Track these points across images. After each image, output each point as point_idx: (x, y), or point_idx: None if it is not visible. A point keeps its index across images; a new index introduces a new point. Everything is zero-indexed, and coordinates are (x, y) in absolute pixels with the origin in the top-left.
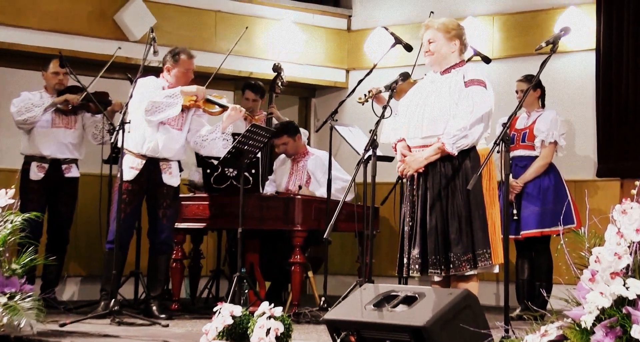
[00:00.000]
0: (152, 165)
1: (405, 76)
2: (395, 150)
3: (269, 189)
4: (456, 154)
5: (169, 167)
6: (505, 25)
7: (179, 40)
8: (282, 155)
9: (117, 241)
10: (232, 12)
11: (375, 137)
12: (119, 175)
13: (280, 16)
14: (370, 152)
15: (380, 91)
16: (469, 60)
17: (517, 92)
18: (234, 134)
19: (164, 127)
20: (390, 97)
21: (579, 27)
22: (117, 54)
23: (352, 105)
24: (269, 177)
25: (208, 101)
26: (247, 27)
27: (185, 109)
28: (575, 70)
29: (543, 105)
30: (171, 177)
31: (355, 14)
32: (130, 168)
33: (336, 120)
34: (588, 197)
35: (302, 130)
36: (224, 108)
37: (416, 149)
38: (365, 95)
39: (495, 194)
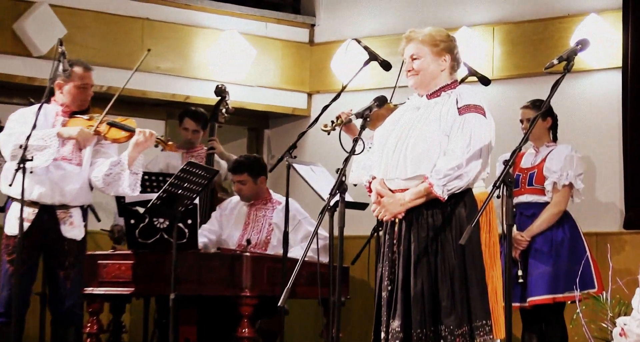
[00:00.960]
0: (47, 215)
1: (381, 101)
2: (369, 190)
3: (203, 240)
4: (446, 198)
5: (69, 216)
6: (508, 37)
7: (95, 55)
8: (234, 198)
9: (14, 313)
10: (165, 20)
11: (343, 178)
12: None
13: (224, 25)
14: (337, 198)
15: (351, 120)
16: (462, 81)
17: (522, 121)
18: (165, 175)
19: (56, 164)
20: (363, 126)
21: (601, 40)
22: (18, 73)
23: (315, 137)
24: (204, 225)
25: (112, 125)
26: (149, 50)
27: None
28: (596, 94)
29: (555, 139)
30: (72, 229)
31: (319, 23)
32: (17, 219)
33: (295, 156)
34: (612, 254)
35: None
36: (131, 133)
37: (398, 192)
38: (332, 122)
39: (496, 250)
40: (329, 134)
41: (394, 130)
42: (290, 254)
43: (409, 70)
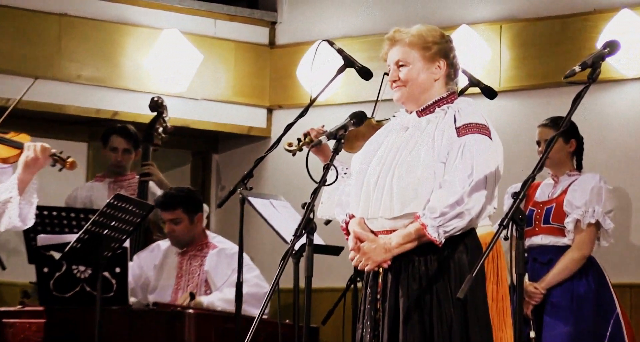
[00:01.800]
0: None
1: (359, 118)
2: (346, 233)
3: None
4: (443, 242)
5: None
6: (519, 38)
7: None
8: (163, 243)
9: None
10: (87, 16)
11: (311, 216)
12: None
13: (162, 23)
14: (304, 240)
15: (321, 141)
16: (462, 93)
17: (539, 143)
18: (88, 211)
19: None
20: (337, 150)
21: (635, 41)
22: None
23: (276, 163)
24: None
25: None
26: (36, 78)
27: None
28: (630, 110)
29: (579, 167)
30: None
31: (282, 20)
32: None
33: (251, 188)
34: None
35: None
36: (22, 149)
37: (382, 235)
38: (299, 140)
39: (506, 306)
40: (294, 155)
41: (376, 156)
42: (218, 308)
43: (394, 80)
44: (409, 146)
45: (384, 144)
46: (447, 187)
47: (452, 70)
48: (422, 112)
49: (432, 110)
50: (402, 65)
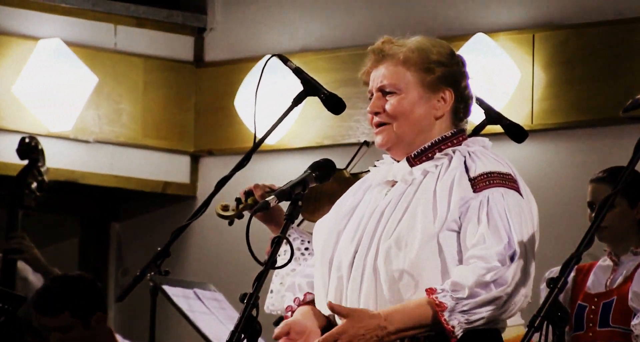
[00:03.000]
0: None
1: (324, 171)
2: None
3: None
4: (459, 337)
5: None
6: (561, 52)
7: None
8: None
9: None
10: None
11: (254, 313)
12: None
13: (39, 30)
14: None
15: (268, 204)
16: (475, 132)
17: (590, 206)
18: None
19: None
20: (292, 216)
21: None
22: None
23: (204, 235)
24: None
25: None
26: None
27: None
28: None
29: None
30: None
31: (215, 26)
32: None
33: (166, 272)
34: None
35: None
36: None
37: (371, 312)
38: (237, 202)
39: None
40: (230, 223)
41: (350, 225)
42: None
43: (377, 112)
44: (398, 210)
45: (360, 207)
46: (473, 264)
47: (461, 105)
48: (415, 160)
49: (430, 155)
50: (390, 92)
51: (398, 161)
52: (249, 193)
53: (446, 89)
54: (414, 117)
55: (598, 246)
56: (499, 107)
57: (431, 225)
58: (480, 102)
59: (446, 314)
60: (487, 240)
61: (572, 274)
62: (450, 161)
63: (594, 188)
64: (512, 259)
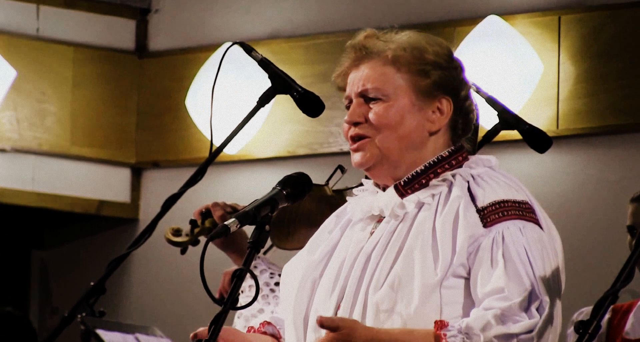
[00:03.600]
0: None
1: (298, 186)
2: None
3: None
4: None
5: None
6: (594, 40)
7: None
8: None
9: None
10: None
11: None
12: None
13: None
14: None
15: (228, 229)
16: (487, 139)
17: (630, 230)
18: None
19: None
20: (257, 243)
21: None
22: None
23: (148, 266)
24: None
25: None
26: None
27: None
28: None
29: None
30: None
31: (162, 7)
32: None
33: (101, 312)
34: None
35: None
36: None
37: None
38: (192, 225)
39: None
40: (183, 251)
41: (328, 274)
42: None
43: (356, 123)
44: (389, 253)
45: (340, 249)
46: (497, 311)
47: (460, 119)
48: (406, 188)
49: (424, 182)
50: (374, 99)
51: (382, 187)
52: (206, 214)
53: (443, 98)
54: (403, 131)
55: None
56: (516, 108)
57: (432, 272)
58: (493, 102)
59: None
60: (506, 289)
61: (607, 315)
62: (450, 188)
63: (636, 209)
64: (539, 311)
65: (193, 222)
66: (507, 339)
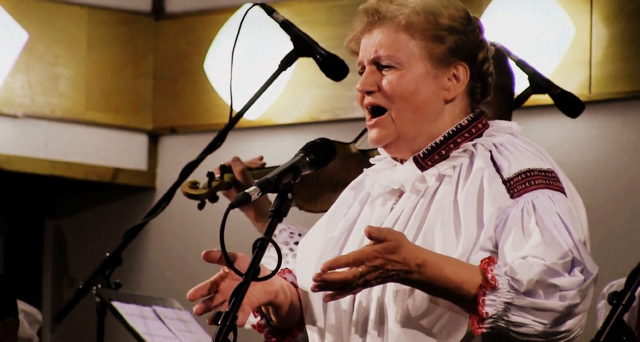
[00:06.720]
0: None
1: (322, 152)
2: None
3: None
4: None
5: None
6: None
7: None
8: None
9: None
10: None
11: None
12: None
13: None
14: None
15: (249, 197)
16: (517, 104)
17: None
18: None
19: None
20: (280, 211)
21: None
22: None
23: (165, 237)
24: None
25: None
26: None
27: None
28: None
29: None
30: None
31: None
32: None
33: (117, 283)
34: None
35: (25, 308)
36: None
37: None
38: (210, 178)
39: None
40: (201, 206)
41: (348, 249)
42: None
43: (369, 92)
44: (409, 230)
45: (359, 225)
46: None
47: (478, 83)
48: (426, 160)
49: (444, 153)
50: (387, 66)
51: (400, 161)
52: (226, 168)
53: (459, 64)
54: (418, 101)
55: None
56: (547, 72)
57: (453, 248)
58: (523, 66)
59: (489, 296)
60: (545, 257)
61: None
62: (472, 159)
63: None
64: (583, 274)
65: (210, 175)
66: (551, 290)
